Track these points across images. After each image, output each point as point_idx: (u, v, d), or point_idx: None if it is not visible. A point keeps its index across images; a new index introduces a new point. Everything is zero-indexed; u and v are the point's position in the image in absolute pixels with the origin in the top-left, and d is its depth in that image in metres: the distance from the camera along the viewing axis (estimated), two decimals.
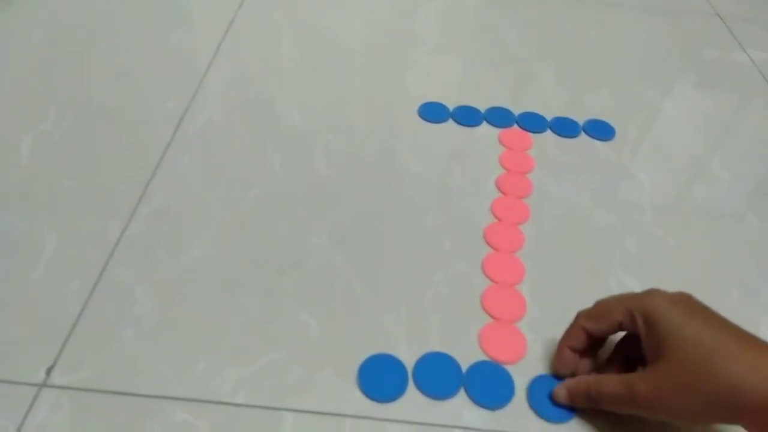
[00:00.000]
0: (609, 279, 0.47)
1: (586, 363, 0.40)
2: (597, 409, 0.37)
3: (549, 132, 0.61)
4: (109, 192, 0.51)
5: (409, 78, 0.67)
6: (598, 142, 0.60)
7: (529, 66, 0.71)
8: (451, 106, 0.63)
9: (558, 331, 0.41)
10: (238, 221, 0.49)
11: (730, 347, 0.33)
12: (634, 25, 0.81)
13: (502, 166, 0.57)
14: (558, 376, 0.40)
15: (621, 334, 0.40)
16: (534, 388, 0.40)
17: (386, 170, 0.55)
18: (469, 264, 0.47)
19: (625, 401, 0.35)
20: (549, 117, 0.63)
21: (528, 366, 0.41)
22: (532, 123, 0.62)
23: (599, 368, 0.40)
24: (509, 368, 0.41)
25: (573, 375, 0.40)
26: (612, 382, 0.36)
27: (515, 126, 0.61)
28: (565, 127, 0.61)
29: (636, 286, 0.47)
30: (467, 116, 0.62)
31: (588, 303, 0.40)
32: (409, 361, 0.41)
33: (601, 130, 0.62)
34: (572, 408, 0.39)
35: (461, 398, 0.39)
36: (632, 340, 0.38)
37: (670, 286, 0.38)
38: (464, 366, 0.41)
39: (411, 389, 0.39)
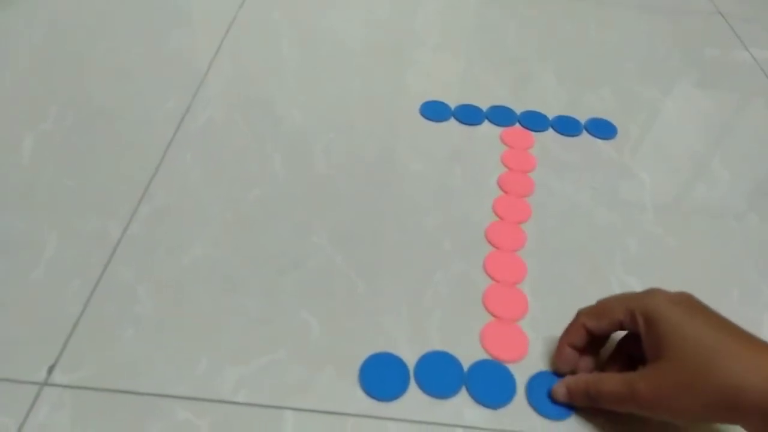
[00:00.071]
0: (610, 278, 0.47)
1: (586, 361, 0.40)
2: (596, 408, 0.37)
3: (551, 130, 0.61)
4: (109, 192, 0.51)
5: (410, 77, 0.67)
6: (599, 141, 0.60)
7: (529, 65, 0.71)
8: (452, 105, 0.63)
9: (559, 329, 0.41)
10: (239, 221, 0.49)
11: (731, 347, 0.33)
12: (635, 24, 0.81)
13: (503, 164, 0.57)
14: (558, 374, 0.40)
15: (623, 333, 0.40)
16: (533, 384, 0.40)
17: (387, 169, 0.55)
18: (470, 263, 0.47)
19: (625, 400, 0.35)
20: (551, 116, 0.62)
21: (529, 365, 0.41)
22: (534, 122, 0.62)
23: (600, 367, 0.40)
24: (511, 367, 0.41)
25: (573, 372, 0.40)
26: (612, 381, 0.36)
27: (517, 125, 0.61)
28: (566, 126, 0.61)
29: (637, 285, 0.47)
30: (469, 115, 0.62)
31: (589, 302, 0.40)
32: (410, 359, 0.41)
33: (602, 129, 0.62)
34: (571, 406, 0.39)
35: (463, 397, 0.39)
36: (634, 339, 0.37)
37: (671, 285, 0.38)
38: (466, 365, 0.41)
39: (412, 388, 0.39)
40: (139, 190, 0.51)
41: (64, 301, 0.43)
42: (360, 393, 0.39)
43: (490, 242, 0.49)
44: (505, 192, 0.54)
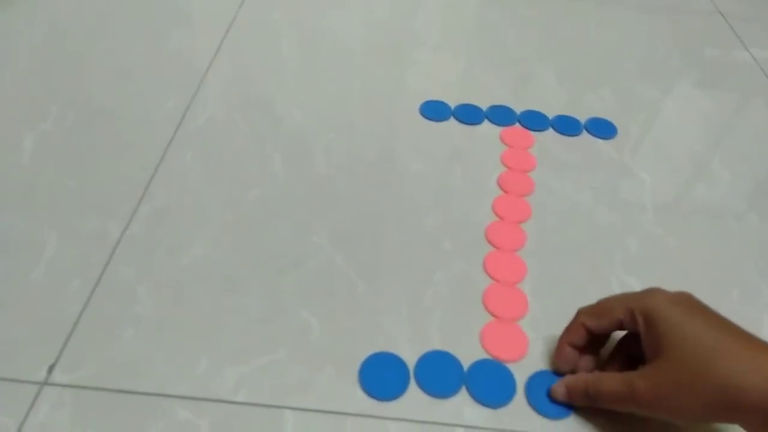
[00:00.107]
0: (610, 278, 0.47)
1: (586, 360, 0.40)
2: (595, 408, 0.37)
3: (551, 130, 0.61)
4: (109, 192, 0.51)
5: (410, 77, 0.67)
6: (599, 141, 0.60)
7: (529, 65, 0.71)
8: (452, 105, 0.63)
9: (560, 329, 0.41)
10: (239, 221, 0.49)
11: (731, 347, 0.33)
12: (634, 24, 0.81)
13: (503, 164, 0.57)
14: (558, 373, 0.40)
15: (623, 333, 0.40)
16: (532, 384, 0.40)
17: (387, 169, 0.55)
18: (470, 262, 0.47)
19: (625, 399, 0.35)
20: (551, 115, 0.62)
21: (529, 364, 0.41)
22: (534, 121, 0.62)
23: (600, 366, 0.40)
24: (511, 366, 0.41)
25: (573, 372, 0.40)
26: (611, 380, 0.36)
27: (517, 124, 0.61)
28: (566, 126, 0.61)
29: (637, 285, 0.47)
30: (469, 114, 0.62)
31: (589, 302, 0.40)
32: (410, 359, 0.41)
33: (602, 129, 0.62)
34: (570, 406, 0.39)
35: (463, 396, 0.39)
36: (634, 338, 0.37)
37: (671, 285, 0.38)
38: (466, 364, 0.41)
39: (412, 388, 0.39)
40: (139, 189, 0.51)
41: (64, 300, 0.43)
42: (360, 393, 0.39)
43: (490, 242, 0.49)
44: (505, 192, 0.54)
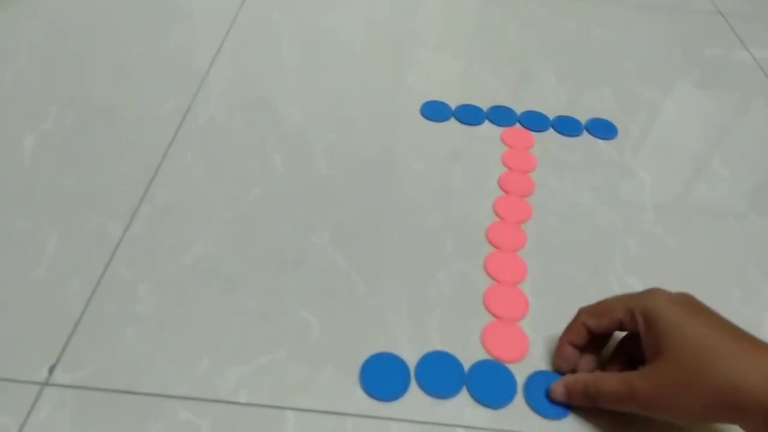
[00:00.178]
0: (610, 278, 0.47)
1: (587, 360, 0.40)
2: (595, 408, 0.37)
3: (551, 131, 0.61)
4: (110, 191, 0.51)
5: (410, 77, 0.67)
6: (600, 141, 0.60)
7: (530, 65, 0.71)
8: (453, 105, 0.63)
9: (560, 329, 0.41)
10: (240, 220, 0.49)
11: (731, 347, 0.33)
12: (635, 24, 0.81)
13: (504, 164, 0.57)
14: (559, 373, 0.40)
15: (624, 333, 0.40)
16: (531, 384, 0.40)
17: (388, 169, 0.55)
18: (471, 263, 0.47)
19: (624, 399, 0.35)
20: (551, 116, 0.62)
21: (530, 365, 0.41)
22: (535, 122, 0.62)
23: (601, 367, 0.40)
24: (511, 367, 0.41)
25: (573, 371, 0.40)
26: (611, 380, 0.36)
27: (517, 125, 0.61)
28: (567, 126, 0.61)
29: (637, 285, 0.47)
30: (469, 115, 0.62)
31: (590, 302, 0.40)
32: (411, 359, 0.41)
33: (603, 129, 0.62)
34: (568, 406, 0.39)
35: (463, 397, 0.39)
36: (634, 339, 0.37)
37: (671, 285, 0.38)
38: (466, 365, 0.41)
39: (413, 388, 0.39)
40: (140, 189, 0.51)
41: (65, 300, 0.43)
42: (360, 393, 0.39)
43: (490, 242, 0.49)
44: (506, 192, 0.54)
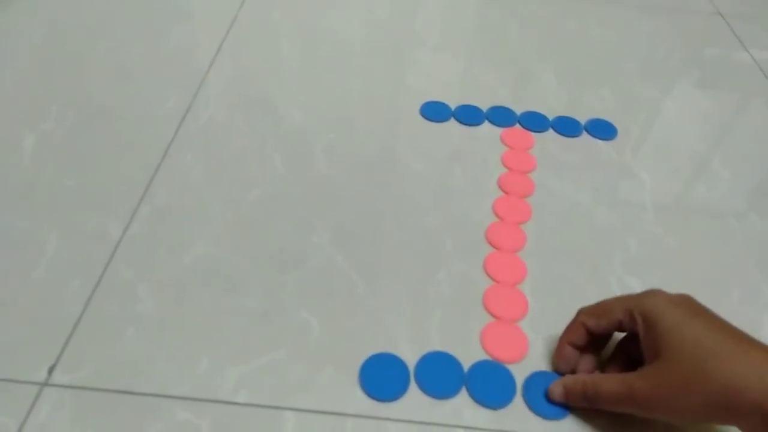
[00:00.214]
0: (610, 278, 0.47)
1: (587, 360, 0.40)
2: (594, 409, 0.37)
3: (551, 131, 0.61)
4: (110, 191, 0.51)
5: (410, 77, 0.67)
6: (600, 142, 0.60)
7: (530, 65, 0.71)
8: (452, 106, 0.63)
9: (560, 330, 0.41)
10: (240, 220, 0.49)
11: (731, 349, 0.33)
12: (635, 24, 0.81)
13: (504, 165, 0.57)
14: (559, 373, 0.40)
15: (624, 335, 0.40)
16: (530, 384, 0.40)
17: (387, 169, 0.55)
18: (470, 263, 0.47)
19: (624, 400, 0.35)
20: (551, 116, 0.62)
21: (530, 365, 0.41)
22: (534, 122, 0.62)
23: (601, 368, 0.40)
24: (511, 368, 0.41)
25: (573, 372, 0.40)
26: (610, 381, 0.36)
27: (517, 125, 0.61)
28: (567, 127, 0.61)
29: (637, 285, 0.47)
30: (469, 115, 0.62)
31: (589, 302, 0.40)
32: (410, 360, 0.41)
33: (603, 130, 0.62)
34: (567, 406, 0.39)
35: (463, 398, 0.39)
36: (634, 340, 0.37)
37: (671, 285, 0.38)
38: (466, 365, 0.41)
39: (412, 388, 0.39)
40: (140, 189, 0.51)
41: (64, 300, 0.43)
42: (360, 393, 0.39)
43: (490, 243, 0.49)
44: (506, 193, 0.54)
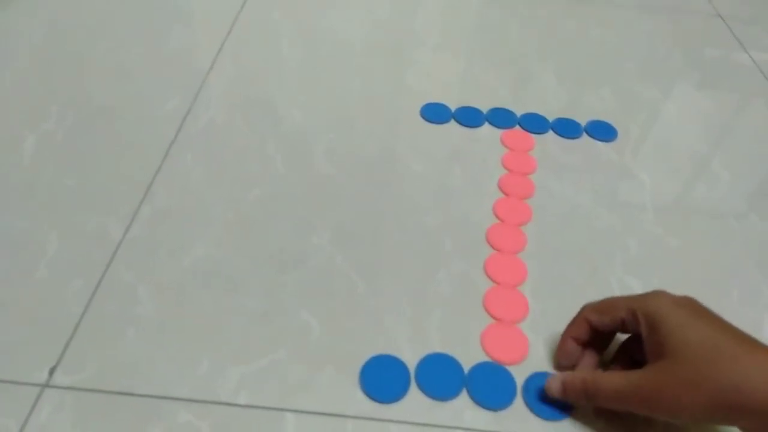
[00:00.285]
0: (610, 279, 0.47)
1: (589, 356, 0.40)
2: (597, 408, 0.38)
3: (551, 133, 0.61)
4: (110, 192, 0.51)
5: (410, 78, 0.67)
6: (600, 143, 0.60)
7: (530, 66, 0.71)
8: (453, 107, 0.63)
9: (560, 331, 0.41)
10: (240, 221, 0.49)
11: (734, 349, 0.33)
12: (634, 25, 0.81)
13: (504, 167, 0.57)
14: (559, 368, 0.40)
15: (627, 336, 0.40)
16: (530, 385, 0.40)
17: (388, 170, 0.55)
18: (471, 265, 0.47)
19: (626, 397, 0.35)
20: (551, 118, 0.62)
21: (530, 367, 0.41)
22: (534, 124, 0.62)
23: (603, 368, 0.40)
24: (511, 369, 0.41)
25: (574, 368, 0.40)
26: (611, 378, 0.36)
27: (517, 127, 0.61)
28: (567, 128, 0.61)
29: (637, 285, 0.47)
30: (469, 117, 0.62)
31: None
32: (411, 361, 0.41)
33: (603, 131, 0.62)
34: (567, 406, 0.39)
35: (463, 399, 0.39)
36: (636, 342, 0.38)
37: (672, 285, 0.38)
38: (466, 367, 0.41)
39: (413, 390, 0.39)
40: (141, 190, 0.51)
41: (65, 302, 0.43)
42: (360, 395, 0.39)
43: (490, 244, 0.49)
44: (506, 194, 0.54)
